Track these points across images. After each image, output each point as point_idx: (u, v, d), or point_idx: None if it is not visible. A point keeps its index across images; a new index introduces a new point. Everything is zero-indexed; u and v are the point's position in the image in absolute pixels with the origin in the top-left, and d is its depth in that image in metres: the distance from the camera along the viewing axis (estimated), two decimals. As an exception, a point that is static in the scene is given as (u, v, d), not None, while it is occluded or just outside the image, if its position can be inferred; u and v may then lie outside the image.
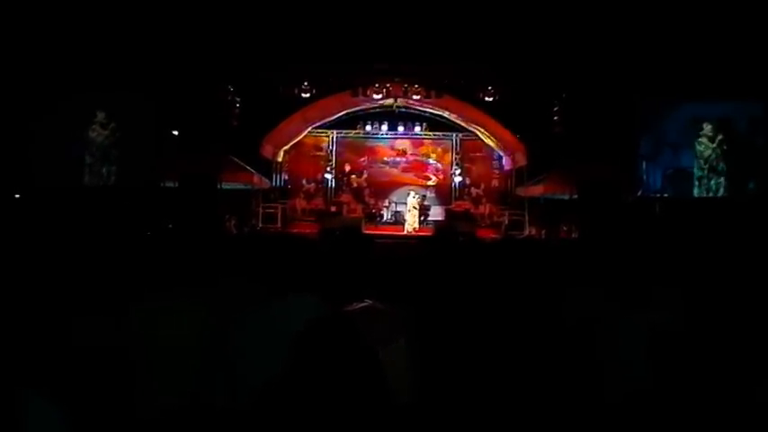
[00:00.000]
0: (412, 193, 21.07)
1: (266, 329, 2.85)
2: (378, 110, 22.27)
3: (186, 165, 16.64)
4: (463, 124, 21.94)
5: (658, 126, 16.75)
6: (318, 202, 22.90)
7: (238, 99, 18.51)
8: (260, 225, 19.44)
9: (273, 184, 21.27)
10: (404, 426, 2.62)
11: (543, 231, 17.99)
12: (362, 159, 24.15)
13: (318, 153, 24.04)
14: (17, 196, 16.04)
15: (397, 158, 24.20)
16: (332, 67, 17.83)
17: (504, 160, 22.77)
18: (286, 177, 23.21)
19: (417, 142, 24.19)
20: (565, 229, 17.40)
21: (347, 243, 4.23)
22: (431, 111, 21.77)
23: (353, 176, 23.99)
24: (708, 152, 16.48)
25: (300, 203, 22.73)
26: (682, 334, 3.28)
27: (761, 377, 2.83)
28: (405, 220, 20.69)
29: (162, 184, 16.61)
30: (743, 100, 16.21)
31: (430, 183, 24.06)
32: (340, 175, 24.03)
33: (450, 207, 22.74)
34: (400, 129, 23.30)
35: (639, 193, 16.84)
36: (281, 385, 2.04)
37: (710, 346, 3.13)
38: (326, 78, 18.67)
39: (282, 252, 3.25)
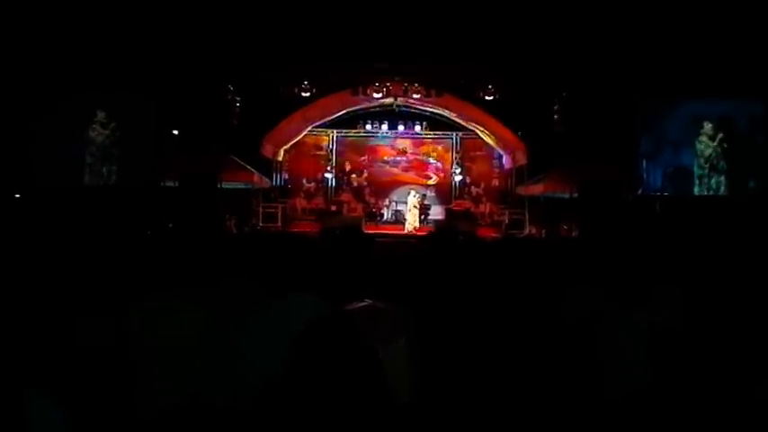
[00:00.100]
0: (412, 193, 21.07)
1: (266, 329, 2.85)
2: (378, 109, 22.27)
3: (186, 164, 16.65)
4: (463, 123, 21.95)
5: (659, 125, 16.75)
6: (319, 202, 22.92)
7: (238, 98, 18.50)
8: (260, 224, 19.43)
9: (274, 183, 21.26)
10: (404, 425, 2.61)
11: (543, 230, 17.99)
12: (363, 158, 24.15)
13: (319, 152, 24.05)
14: (17, 196, 16.03)
15: (398, 157, 24.20)
16: (332, 66, 17.83)
17: (504, 159, 22.78)
18: (286, 177, 23.21)
19: (417, 141, 24.20)
20: (565, 227, 17.39)
21: (347, 242, 4.22)
22: (431, 110, 21.76)
23: (354, 176, 24.00)
24: (708, 151, 16.48)
25: (301, 203, 22.75)
26: (682, 332, 3.28)
27: (761, 376, 2.83)
28: (405, 220, 20.69)
29: (162, 184, 16.61)
30: (743, 98, 16.21)
31: (430, 182, 24.06)
32: (340, 175, 24.04)
33: (450, 206, 22.74)
34: (400, 128, 23.31)
35: (640, 192, 16.84)
36: (282, 385, 2.04)
37: (711, 345, 3.13)
38: (326, 77, 18.67)
39: (282, 251, 3.24)
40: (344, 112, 21.82)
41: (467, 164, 24.05)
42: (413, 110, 22.29)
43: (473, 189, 23.60)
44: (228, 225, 17.24)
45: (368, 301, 3.17)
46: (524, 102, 18.35)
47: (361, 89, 19.30)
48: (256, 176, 18.39)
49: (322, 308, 2.85)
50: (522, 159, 20.28)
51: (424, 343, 3.20)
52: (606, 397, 3.36)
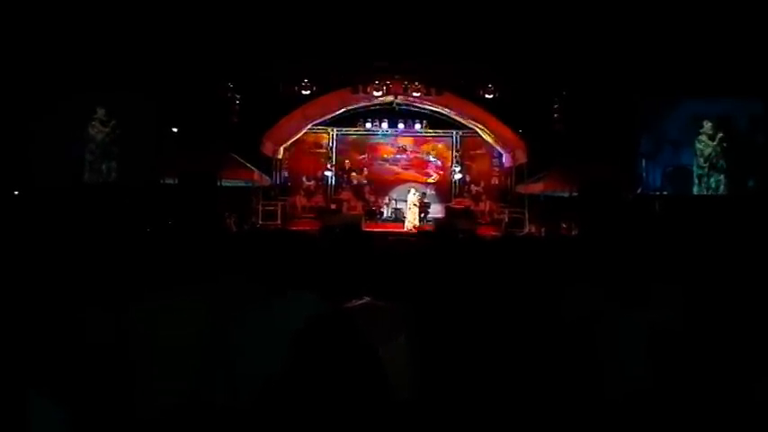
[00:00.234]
0: (412, 191, 21.08)
1: (266, 327, 2.85)
2: (378, 107, 22.27)
3: (186, 162, 16.64)
4: (463, 121, 21.96)
5: (658, 124, 16.76)
6: (318, 200, 22.92)
7: (238, 96, 18.49)
8: (260, 222, 19.43)
9: (273, 181, 21.26)
10: (404, 422, 2.62)
11: (543, 229, 18.00)
12: (363, 156, 24.16)
13: (318, 150, 24.05)
14: (16, 193, 16.02)
15: (398, 156, 24.22)
16: (332, 64, 17.82)
17: (504, 158, 22.79)
18: (286, 174, 23.21)
19: (417, 139, 24.20)
20: (564, 226, 17.40)
21: (347, 240, 4.23)
22: (431, 108, 21.76)
23: (354, 174, 24.02)
24: (708, 150, 16.48)
25: (300, 201, 22.75)
26: (681, 332, 3.28)
27: (760, 375, 2.83)
28: (405, 218, 20.69)
29: (162, 182, 16.61)
30: (743, 98, 16.21)
31: (430, 180, 24.07)
32: (340, 173, 24.06)
33: (450, 204, 22.74)
34: (400, 126, 23.33)
35: (639, 191, 16.85)
36: (281, 383, 2.04)
37: (710, 344, 3.13)
38: (326, 76, 18.66)
39: (282, 249, 3.25)
40: (344, 110, 21.81)
41: (467, 162, 24.07)
42: (413, 108, 22.29)
43: (473, 187, 23.63)
44: (228, 223, 17.24)
45: (367, 299, 3.18)
46: (524, 100, 18.36)
47: (361, 87, 19.30)
48: (256, 174, 18.39)
49: (321, 306, 2.85)
50: (521, 158, 20.29)
51: (424, 341, 3.20)
52: (606, 396, 3.36)
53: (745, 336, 3.09)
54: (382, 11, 15.10)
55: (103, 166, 16.51)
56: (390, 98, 20.79)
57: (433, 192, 23.59)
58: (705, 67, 15.24)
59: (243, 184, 18.72)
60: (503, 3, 15.18)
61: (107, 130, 16.51)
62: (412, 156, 24.23)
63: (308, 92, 18.74)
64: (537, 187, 18.72)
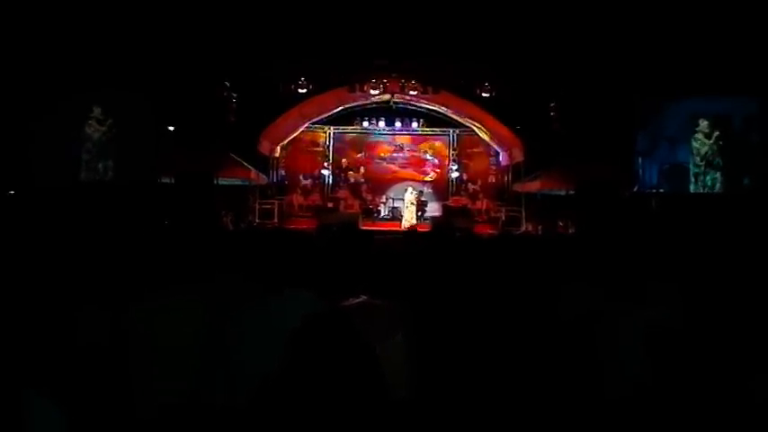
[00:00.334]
0: (410, 189, 21.08)
1: (263, 326, 2.85)
2: (375, 106, 22.27)
3: (183, 161, 16.62)
4: (460, 120, 21.95)
5: (655, 122, 16.77)
6: (315, 198, 22.90)
7: (235, 95, 18.47)
8: (257, 221, 19.42)
9: (270, 180, 21.24)
10: (401, 421, 2.62)
11: (540, 227, 18.02)
12: (360, 155, 24.15)
13: (315, 149, 24.03)
14: (12, 192, 15.99)
15: (395, 154, 24.22)
16: (329, 63, 17.82)
17: (501, 156, 22.79)
18: (283, 173, 23.19)
19: (415, 138, 24.20)
20: (561, 224, 17.43)
21: (344, 239, 4.23)
22: (428, 107, 21.75)
23: (351, 172, 24.00)
24: (704, 148, 16.49)
25: (297, 199, 22.72)
26: (679, 329, 3.29)
27: (757, 372, 2.84)
28: (402, 216, 20.69)
29: (159, 180, 16.59)
30: (739, 96, 16.22)
31: (427, 178, 24.07)
32: (337, 171, 24.04)
33: (447, 203, 22.74)
34: (398, 124, 23.36)
35: (635, 189, 16.86)
36: (279, 382, 2.05)
37: (707, 342, 3.14)
38: (323, 74, 18.65)
39: (279, 248, 3.25)
40: (341, 108, 21.79)
41: (464, 161, 24.07)
42: (410, 107, 22.30)
43: (470, 186, 23.64)
44: (225, 222, 17.23)
45: (364, 298, 3.18)
46: (521, 99, 18.37)
47: (358, 86, 19.30)
48: (253, 173, 18.38)
49: (318, 304, 2.85)
50: (518, 156, 20.31)
51: (421, 339, 3.21)
52: (604, 394, 3.37)
53: (741, 333, 3.10)
54: (380, 10, 15.10)
55: (100, 165, 16.48)
56: (387, 97, 20.79)
57: (430, 190, 23.59)
58: (702, 65, 15.24)
59: (240, 183, 18.71)
60: (499, 2, 15.19)
61: (104, 128, 16.48)
62: (409, 154, 24.23)
63: (304, 90, 18.72)
64: (534, 185, 18.74)
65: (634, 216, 15.87)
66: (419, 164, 24.22)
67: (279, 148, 22.17)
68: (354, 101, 21.08)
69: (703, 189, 16.49)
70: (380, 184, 23.75)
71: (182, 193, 16.39)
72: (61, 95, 15.93)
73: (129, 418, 2.97)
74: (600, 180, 16.58)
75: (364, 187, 23.71)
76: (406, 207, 20.52)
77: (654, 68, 15.62)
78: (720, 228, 12.19)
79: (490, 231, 18.27)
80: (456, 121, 22.28)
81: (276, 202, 20.99)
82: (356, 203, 22.74)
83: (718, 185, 16.43)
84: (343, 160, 24.10)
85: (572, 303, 3.70)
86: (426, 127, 23.57)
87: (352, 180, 23.90)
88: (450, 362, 3.35)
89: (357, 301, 3.14)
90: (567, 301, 3.74)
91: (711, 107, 16.49)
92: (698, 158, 16.54)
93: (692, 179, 16.59)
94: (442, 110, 21.56)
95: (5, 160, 15.44)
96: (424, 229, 18.47)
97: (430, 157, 24.23)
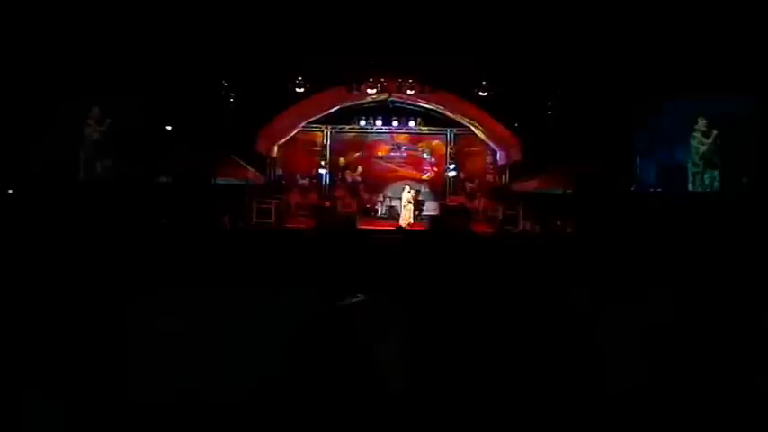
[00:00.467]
0: (407, 188, 21.04)
1: (261, 324, 2.85)
2: (372, 105, 22.24)
3: (181, 161, 16.61)
4: (458, 119, 21.93)
5: (653, 121, 16.78)
6: (313, 198, 22.86)
7: (233, 94, 18.46)
8: (254, 220, 19.41)
9: (267, 179, 21.22)
10: (398, 419, 2.62)
11: (537, 226, 18.03)
12: (357, 154, 24.13)
13: (313, 148, 23.99)
14: (10, 192, 15.98)
15: (392, 153, 24.19)
16: (326, 62, 17.80)
17: (498, 155, 22.78)
18: (280, 173, 23.16)
19: (412, 137, 24.16)
20: (559, 223, 17.43)
21: (342, 238, 4.23)
22: (425, 106, 21.73)
23: (348, 171, 23.99)
24: (703, 148, 16.51)
25: (295, 199, 22.68)
26: (676, 327, 3.29)
27: (756, 370, 2.85)
28: (399, 215, 20.68)
29: (156, 180, 16.58)
30: (737, 95, 16.23)
31: (425, 177, 24.05)
32: (334, 171, 24.02)
33: (444, 202, 22.73)
34: (395, 124, 23.33)
35: (633, 189, 16.88)
36: (278, 380, 2.05)
37: (706, 341, 3.14)
38: (321, 73, 18.64)
39: (277, 247, 3.26)
40: (338, 107, 21.76)
41: (461, 160, 24.05)
42: (407, 106, 22.28)
43: (467, 185, 23.63)
44: (223, 221, 17.22)
45: (362, 297, 3.18)
46: (519, 98, 18.37)
47: (355, 85, 19.30)
48: (251, 173, 18.37)
49: (317, 303, 2.86)
50: (516, 155, 20.31)
51: (419, 338, 3.21)
52: (604, 394, 3.37)
53: (740, 332, 3.10)
54: (377, 9, 15.09)
55: (98, 165, 16.49)
56: (385, 96, 20.78)
57: (427, 189, 23.56)
58: (700, 65, 15.26)
59: (237, 183, 18.69)
60: (497, 1, 15.19)
61: (102, 128, 16.49)
62: (406, 153, 24.19)
63: (302, 89, 18.72)
64: (531, 185, 18.75)
65: (632, 215, 15.88)
66: (417, 163, 24.19)
67: (276, 147, 22.15)
68: (352, 100, 21.07)
69: (701, 188, 16.51)
70: (378, 184, 23.74)
71: (179, 193, 16.37)
72: (60, 96, 15.94)
73: (129, 418, 2.97)
74: (596, 176, 16.58)
75: (361, 186, 23.70)
76: (404, 206, 20.49)
77: (652, 67, 15.62)
78: (719, 227, 12.20)
79: (487, 230, 18.29)
80: (453, 120, 22.26)
81: (274, 201, 20.96)
82: (353, 203, 22.74)
83: (716, 185, 16.45)
84: (341, 159, 24.08)
85: (570, 302, 3.70)
86: (423, 126, 23.55)
87: (349, 179, 23.89)
88: (448, 360, 3.35)
89: (355, 299, 3.14)
90: (565, 300, 3.74)
91: (710, 106, 16.50)
92: (696, 158, 16.55)
93: (691, 178, 16.61)
94: (440, 109, 21.54)
95: (5, 160, 15.43)
96: (421, 228, 18.62)
97: (427, 157, 24.21)
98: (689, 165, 16.63)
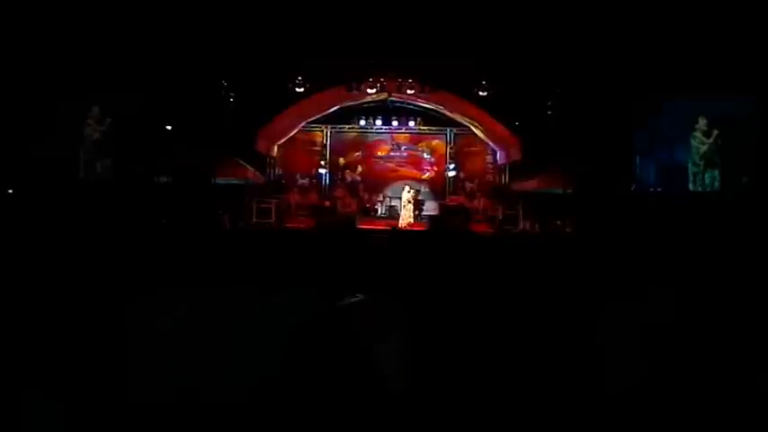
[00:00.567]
0: (407, 188, 21.03)
1: (260, 324, 2.85)
2: (372, 104, 22.26)
3: (181, 160, 16.63)
4: (458, 119, 21.93)
5: (653, 121, 16.79)
6: (313, 198, 22.87)
7: (232, 94, 18.47)
8: (254, 220, 19.41)
9: (267, 179, 21.23)
10: (398, 419, 2.62)
11: (537, 226, 18.03)
12: (357, 154, 24.14)
13: (312, 148, 24.01)
14: (10, 192, 15.99)
15: (392, 153, 24.20)
16: (326, 61, 17.81)
17: (498, 155, 22.78)
18: (280, 172, 23.17)
19: (411, 137, 24.17)
20: (559, 223, 17.43)
21: (341, 238, 4.23)
22: (425, 105, 21.73)
23: (348, 171, 24.00)
24: (703, 147, 16.52)
25: (295, 198, 22.68)
26: (677, 327, 3.29)
27: (756, 370, 2.85)
28: (399, 215, 20.68)
29: (156, 180, 16.60)
30: (737, 95, 16.23)
31: (424, 177, 24.05)
32: (334, 170, 24.03)
33: (444, 202, 22.73)
34: (394, 123, 23.35)
35: (633, 188, 16.88)
36: (278, 380, 2.05)
37: (706, 341, 3.14)
38: (321, 73, 18.65)
39: (277, 247, 3.25)
40: (338, 107, 21.77)
41: (461, 159, 24.05)
42: (407, 105, 22.28)
43: (467, 184, 23.64)
44: (223, 221, 17.23)
45: (361, 297, 3.18)
46: (519, 98, 18.38)
47: (355, 85, 19.31)
48: (250, 172, 18.38)
49: (316, 303, 2.85)
50: (516, 155, 20.31)
51: (418, 337, 3.21)
52: (604, 392, 3.37)
53: (741, 331, 3.10)
54: (376, 8, 15.09)
55: (98, 165, 16.51)
56: (384, 95, 20.78)
57: (427, 189, 23.56)
58: (700, 64, 15.26)
59: (237, 182, 18.69)
60: (497, 1, 15.19)
61: (102, 128, 16.51)
62: (406, 153, 24.21)
63: (301, 89, 18.73)
64: (531, 184, 18.76)
65: (632, 215, 15.88)
66: (416, 162, 24.20)
67: (276, 147, 22.15)
68: (351, 100, 21.07)
69: (702, 188, 16.52)
70: (377, 183, 23.76)
71: (179, 193, 16.38)
72: (60, 96, 15.96)
73: (129, 418, 2.97)
74: (596, 175, 16.58)
75: (361, 186, 23.72)
76: (404, 206, 20.48)
77: (652, 67, 15.63)
78: (719, 227, 12.21)
79: (487, 230, 18.30)
80: (453, 119, 22.26)
81: (273, 201, 20.96)
82: (353, 202, 22.74)
83: (716, 184, 16.46)
84: (341, 159, 24.10)
85: (570, 301, 3.70)
86: (423, 126, 23.56)
87: (349, 179, 23.91)
88: (448, 360, 3.35)
89: (354, 299, 3.14)
90: (565, 300, 3.74)
91: (710, 106, 16.51)
92: (697, 157, 16.56)
93: (691, 178, 16.62)
94: (440, 109, 21.54)
95: (5, 160, 15.44)
96: (421, 228, 18.63)
97: (427, 156, 24.22)
98: (689, 164, 16.64)
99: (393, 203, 22.34)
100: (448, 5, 15.19)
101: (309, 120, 22.00)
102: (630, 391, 3.23)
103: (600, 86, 16.36)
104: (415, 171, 24.09)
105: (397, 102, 21.82)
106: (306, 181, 23.60)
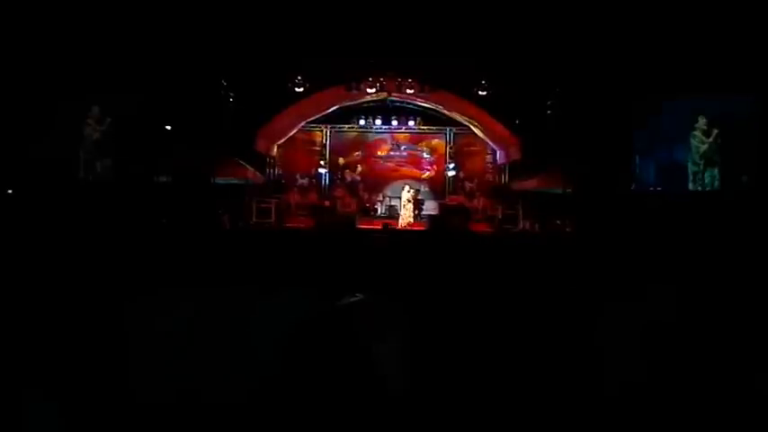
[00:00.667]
0: (407, 188, 21.02)
1: (260, 324, 2.85)
2: (371, 104, 22.27)
3: (181, 160, 16.63)
4: (457, 118, 21.94)
5: (653, 120, 16.79)
6: (312, 197, 22.87)
7: (232, 94, 18.47)
8: (254, 220, 19.41)
9: (267, 178, 21.23)
10: (398, 419, 2.62)
11: (537, 225, 18.04)
12: (356, 154, 24.15)
13: (312, 148, 24.02)
14: (10, 192, 15.99)
15: (391, 153, 24.21)
16: (326, 61, 17.81)
17: (497, 154, 22.78)
18: (280, 172, 23.17)
19: (411, 136, 24.19)
20: (558, 222, 17.43)
21: (341, 238, 4.23)
22: (425, 105, 21.74)
23: (348, 171, 24.00)
24: (703, 147, 16.52)
25: (294, 198, 22.69)
26: (677, 327, 3.29)
27: (756, 370, 2.85)
28: (399, 215, 20.68)
29: (156, 180, 16.60)
30: (737, 94, 16.23)
31: (424, 177, 24.06)
32: (334, 170, 24.03)
33: (444, 201, 22.73)
34: (394, 123, 23.37)
35: (633, 188, 16.88)
36: (277, 380, 2.05)
37: (707, 340, 3.14)
38: (320, 73, 18.65)
39: (276, 247, 3.25)
40: (338, 106, 21.77)
41: (460, 159, 24.06)
42: (407, 105, 22.29)
43: (467, 184, 23.65)
44: (222, 221, 17.23)
45: (361, 296, 3.18)
46: (518, 97, 18.38)
47: (354, 84, 19.32)
48: (250, 172, 18.38)
49: (316, 303, 2.85)
50: (515, 155, 20.32)
51: (418, 337, 3.20)
52: (604, 392, 3.37)
53: (741, 331, 3.10)
54: (376, 8, 15.09)
55: (98, 165, 16.52)
56: (384, 95, 20.78)
57: (426, 189, 23.57)
58: (700, 63, 15.26)
59: (237, 182, 18.70)
60: (497, 1, 15.19)
61: (102, 128, 16.52)
62: (406, 153, 24.23)
63: (301, 89, 18.74)
64: (531, 184, 18.76)
65: (632, 215, 15.88)
66: (415, 162, 24.22)
67: (276, 147, 22.15)
68: (351, 99, 21.08)
69: (702, 188, 16.52)
70: (377, 183, 23.77)
71: (179, 193, 16.39)
72: (60, 96, 15.96)
73: (129, 418, 2.97)
74: (596, 175, 16.59)
75: (361, 186, 23.73)
76: (403, 205, 20.48)
77: (652, 66, 15.63)
78: (719, 226, 12.21)
79: (487, 229, 18.30)
80: (453, 119, 22.27)
81: (273, 201, 20.95)
82: (353, 202, 22.76)
83: (716, 184, 16.46)
84: (340, 159, 24.11)
85: (570, 301, 3.70)
86: (423, 125, 23.57)
87: (348, 179, 23.92)
88: (449, 360, 3.35)
89: (354, 299, 3.14)
90: (565, 299, 3.74)
91: (710, 105, 16.51)
92: (697, 156, 16.56)
93: (691, 177, 16.62)
94: (439, 108, 21.55)
95: (5, 160, 15.44)
96: (421, 227, 18.63)
97: (426, 156, 24.23)
98: (689, 163, 16.64)
99: (393, 203, 22.35)
100: (448, 5, 15.18)
101: (309, 119, 22.00)
102: (630, 391, 3.23)
103: (600, 86, 16.36)
104: (414, 171, 24.10)
105: (397, 101, 21.83)
106: (305, 181, 23.61)
